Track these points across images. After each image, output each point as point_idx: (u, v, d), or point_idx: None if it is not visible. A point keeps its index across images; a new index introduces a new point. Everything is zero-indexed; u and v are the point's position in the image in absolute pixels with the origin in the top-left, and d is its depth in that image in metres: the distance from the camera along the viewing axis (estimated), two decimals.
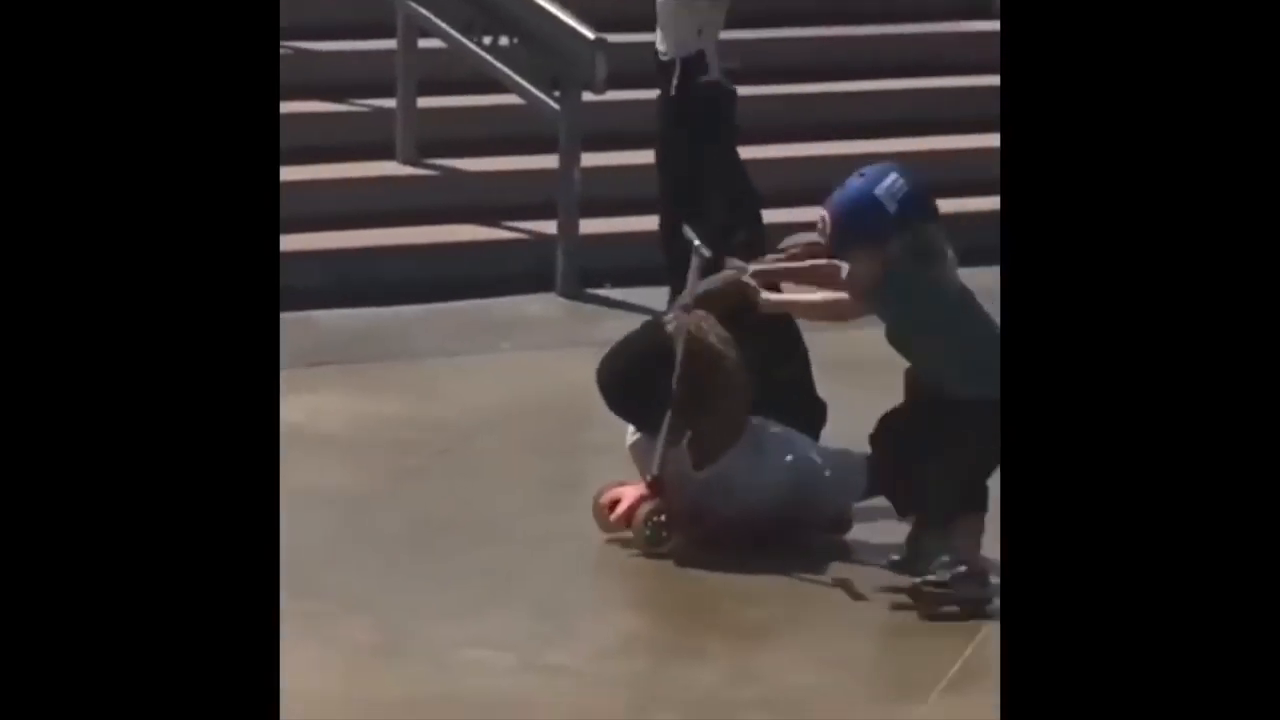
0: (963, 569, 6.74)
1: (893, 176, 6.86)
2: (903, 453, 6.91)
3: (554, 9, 10.57)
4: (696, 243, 7.42)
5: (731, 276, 7.37)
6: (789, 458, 7.47)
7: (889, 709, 6.34)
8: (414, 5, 10.98)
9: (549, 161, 10.55)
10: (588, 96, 10.41)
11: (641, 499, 7.34)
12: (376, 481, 7.89)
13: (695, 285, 7.40)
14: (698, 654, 6.80)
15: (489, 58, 10.82)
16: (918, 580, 6.79)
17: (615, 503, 7.39)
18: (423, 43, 11.02)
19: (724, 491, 7.38)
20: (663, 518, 7.31)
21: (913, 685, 6.46)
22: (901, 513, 7.06)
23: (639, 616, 7.18)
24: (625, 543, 7.32)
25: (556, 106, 10.47)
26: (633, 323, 8.02)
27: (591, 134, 10.40)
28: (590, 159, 10.45)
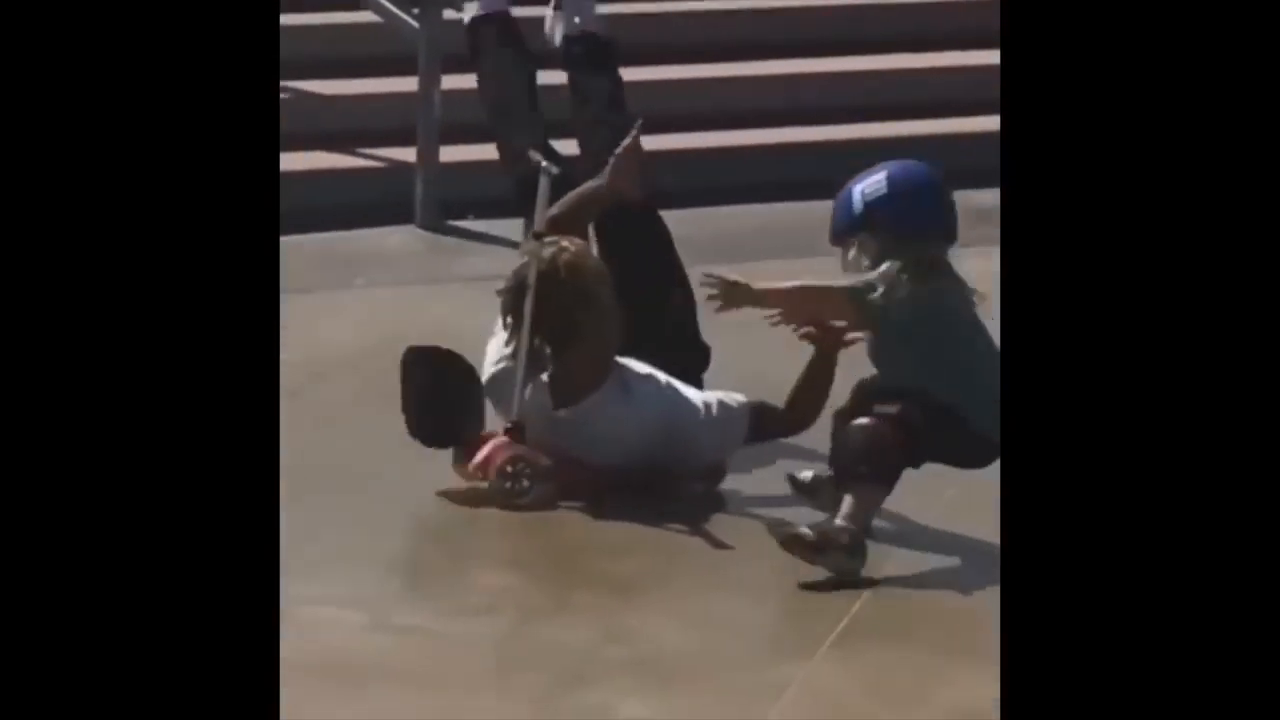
0: (844, 536, 6.50)
1: (877, 178, 6.77)
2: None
3: None
4: (544, 163, 7.25)
5: (586, 190, 7.28)
6: (661, 402, 7.18)
7: (765, 672, 6.04)
8: None
9: (408, 84, 10.34)
10: (449, 14, 9.97)
11: (500, 447, 7.05)
12: None
13: (545, 208, 7.21)
14: (562, 612, 6.52)
15: None
16: (793, 532, 6.53)
17: (476, 450, 7.10)
18: None
19: (589, 438, 7.10)
20: (523, 467, 7.01)
21: (790, 647, 6.25)
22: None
23: (499, 573, 6.85)
24: (485, 494, 7.05)
25: (415, 24, 10.27)
26: (498, 257, 7.74)
27: (454, 55, 9.77)
28: (451, 81, 10.02)
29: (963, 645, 6.16)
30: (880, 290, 6.65)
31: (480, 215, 9.74)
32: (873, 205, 6.71)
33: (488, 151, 9.67)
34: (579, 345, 7.13)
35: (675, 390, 7.24)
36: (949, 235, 6.80)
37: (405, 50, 10.28)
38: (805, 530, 6.48)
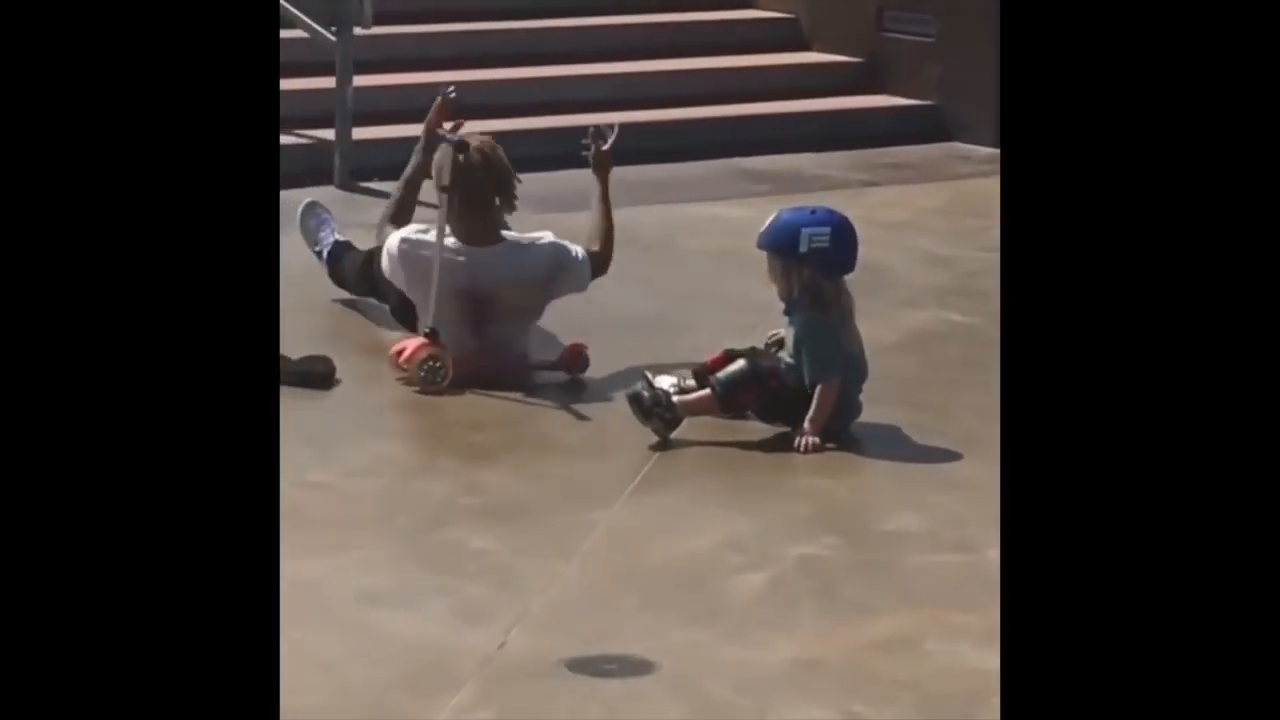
0: (669, 412, 6.58)
1: (821, 229, 6.65)
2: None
3: None
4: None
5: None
6: (549, 247, 7.37)
7: (581, 515, 6.07)
8: None
9: (328, 83, 10.26)
10: (358, 31, 10.20)
11: (420, 346, 7.09)
12: None
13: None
14: (433, 472, 6.58)
15: (283, 2, 10.46)
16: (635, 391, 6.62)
17: (401, 351, 7.14)
18: None
19: (503, 271, 7.25)
20: (436, 362, 7.05)
21: (599, 497, 6.21)
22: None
23: (387, 442, 6.87)
24: (406, 380, 7.10)
25: (334, 39, 10.25)
26: None
27: (361, 61, 10.19)
28: (360, 80, 10.26)
29: (724, 493, 6.26)
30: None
31: (383, 179, 9.65)
32: (814, 250, 6.60)
33: (386, 131, 9.93)
34: (492, 208, 7.29)
35: (556, 240, 7.37)
36: (848, 272, 6.72)
37: (326, 57, 10.22)
38: (644, 394, 6.53)
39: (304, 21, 10.32)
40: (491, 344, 7.30)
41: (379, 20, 10.20)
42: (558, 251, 7.34)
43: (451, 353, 7.09)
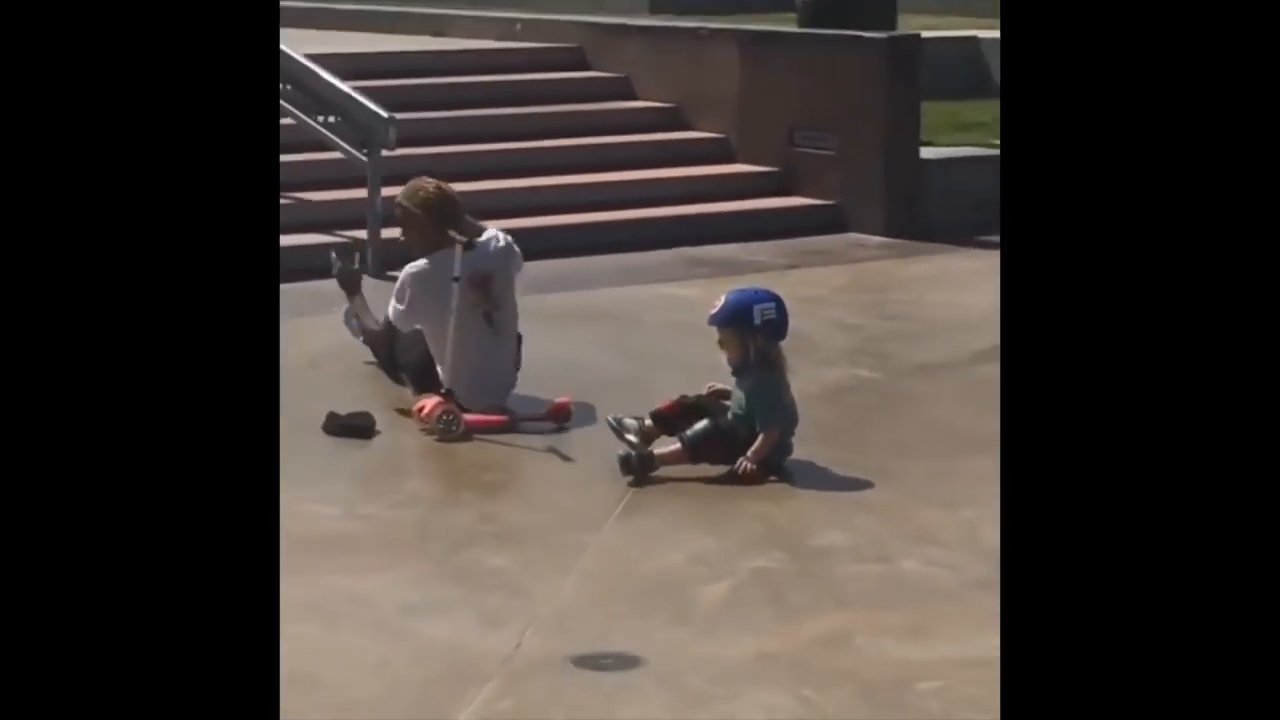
0: (648, 463, 6.40)
1: (769, 305, 6.53)
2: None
3: (362, 99, 10.21)
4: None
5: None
6: (502, 237, 7.37)
7: (576, 537, 5.87)
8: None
9: (361, 193, 10.10)
10: (384, 152, 10.04)
11: (437, 403, 6.88)
12: None
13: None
14: (456, 504, 6.39)
15: (322, 129, 10.39)
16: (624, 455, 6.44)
17: (422, 408, 6.94)
18: (283, 120, 10.43)
19: (489, 256, 7.23)
20: (449, 415, 6.83)
21: (589, 522, 6.02)
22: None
23: (418, 481, 6.71)
24: (426, 431, 6.91)
25: (365, 159, 10.07)
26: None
27: (387, 175, 9.87)
28: (387, 191, 9.85)
29: (690, 517, 6.10)
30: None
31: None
32: (765, 321, 6.46)
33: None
34: (461, 217, 7.25)
35: (500, 233, 7.39)
36: (785, 337, 6.58)
37: (358, 173, 10.09)
38: (631, 456, 6.37)
39: (340, 145, 10.20)
40: (503, 332, 7.17)
41: (401, 143, 10.06)
42: (510, 240, 7.34)
43: (476, 363, 6.96)
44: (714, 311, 6.59)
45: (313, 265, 8.62)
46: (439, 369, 7.12)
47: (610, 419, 6.63)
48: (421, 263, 7.17)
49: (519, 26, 13.43)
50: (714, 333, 6.61)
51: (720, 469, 6.43)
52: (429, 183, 7.34)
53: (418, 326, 7.22)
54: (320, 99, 10.32)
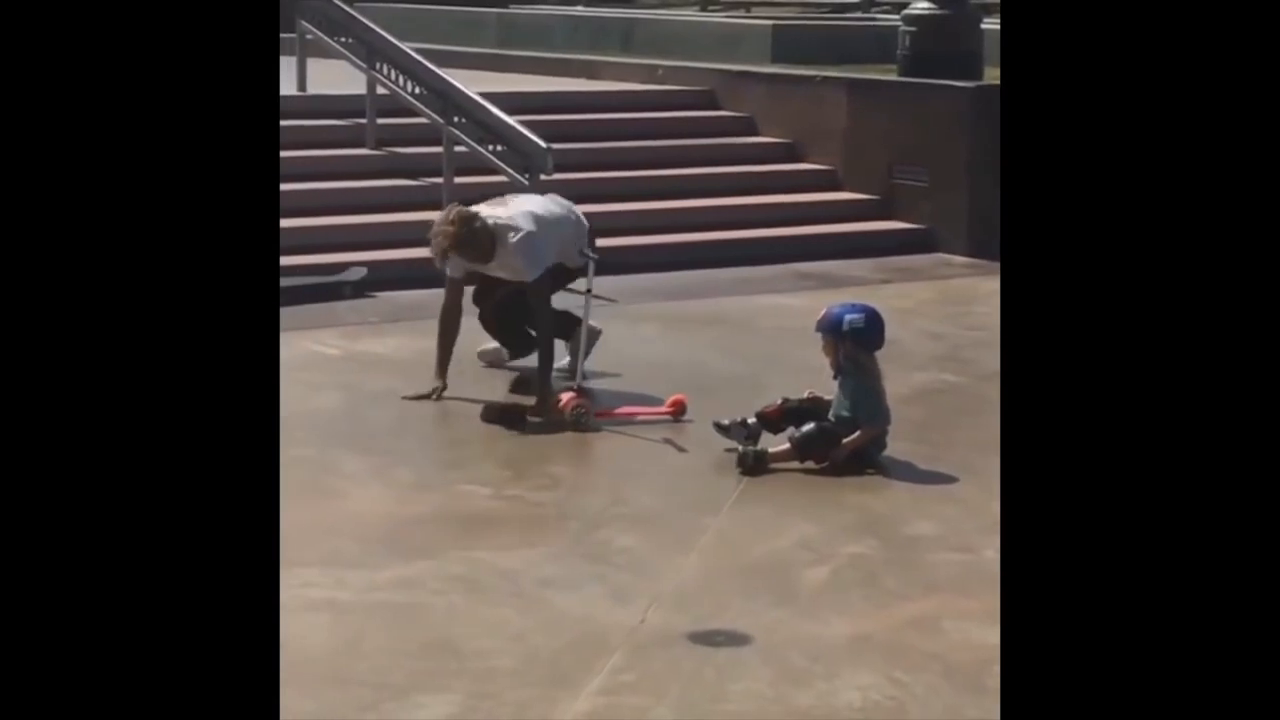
0: (762, 461, 6.02)
1: (858, 315, 6.14)
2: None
3: (525, 130, 9.84)
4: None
5: None
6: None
7: (697, 521, 5.51)
8: (452, 129, 10.13)
9: None
10: (543, 177, 9.61)
11: (571, 397, 6.52)
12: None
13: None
14: (590, 488, 6.05)
15: (490, 156, 10.04)
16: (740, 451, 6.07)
17: (558, 400, 6.56)
18: (457, 148, 10.12)
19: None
20: (581, 407, 6.49)
21: (708, 508, 5.66)
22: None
23: (557, 466, 6.27)
24: (561, 422, 6.54)
25: (527, 182, 9.65)
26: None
27: None
28: None
29: (796, 506, 5.72)
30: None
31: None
32: (852, 330, 6.09)
33: None
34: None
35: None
36: (879, 348, 6.19)
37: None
38: (749, 454, 5.99)
39: (506, 170, 9.87)
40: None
41: (557, 169, 9.69)
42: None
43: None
44: (817, 319, 6.26)
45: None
46: (567, 362, 6.78)
47: (715, 422, 6.25)
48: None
49: (660, 72, 13.07)
50: (819, 337, 6.26)
51: (823, 465, 6.06)
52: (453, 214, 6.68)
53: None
54: (490, 130, 10.03)
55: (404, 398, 6.79)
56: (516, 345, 7.24)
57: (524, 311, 6.93)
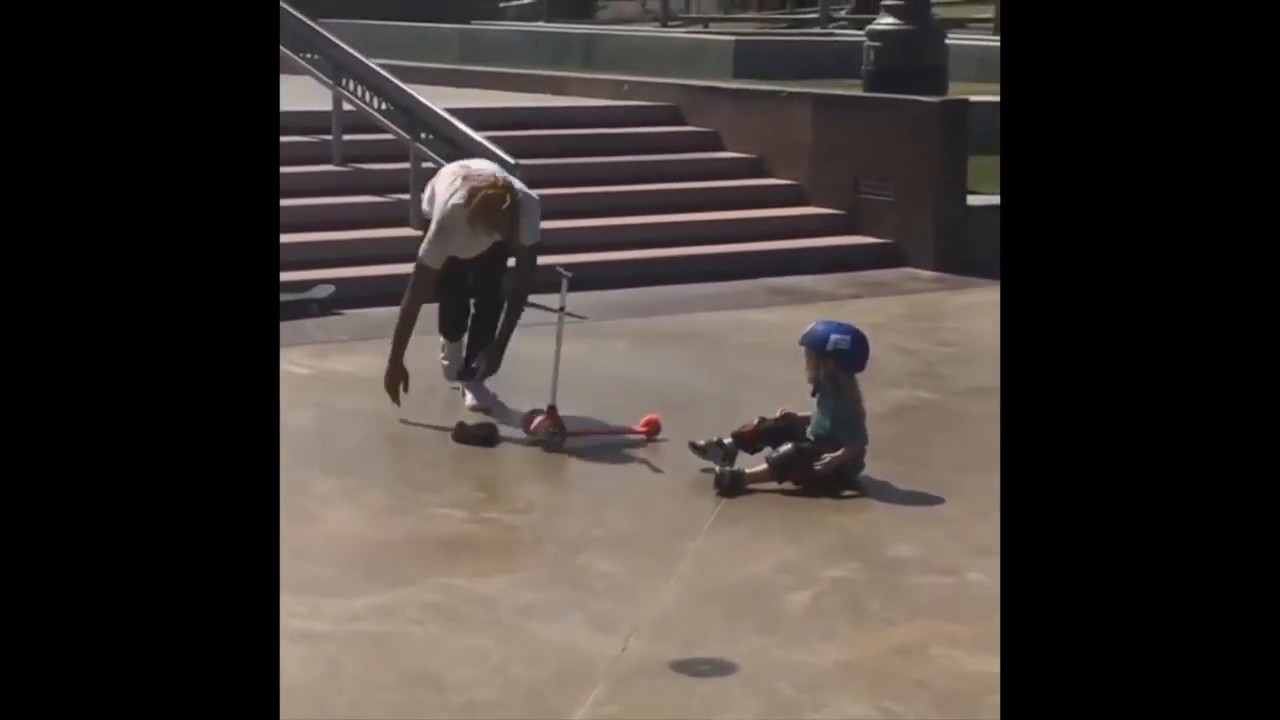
0: (742, 483, 5.89)
1: (844, 336, 6.03)
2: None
3: (491, 146, 9.56)
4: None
5: None
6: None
7: (676, 544, 5.37)
8: (419, 145, 9.97)
9: None
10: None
11: (543, 419, 6.38)
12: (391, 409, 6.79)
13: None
14: (566, 510, 5.86)
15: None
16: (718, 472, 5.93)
17: (529, 420, 6.45)
18: (424, 164, 9.96)
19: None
20: (553, 429, 6.35)
21: (687, 530, 5.51)
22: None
23: (535, 487, 6.15)
24: (533, 442, 6.40)
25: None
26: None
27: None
28: None
29: (774, 528, 5.58)
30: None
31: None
32: (836, 350, 5.96)
33: (548, 260, 9.20)
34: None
35: None
36: (860, 370, 6.07)
37: None
38: (726, 476, 5.87)
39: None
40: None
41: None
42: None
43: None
44: (802, 334, 6.14)
45: None
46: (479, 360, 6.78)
47: (691, 443, 6.13)
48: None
49: (626, 87, 12.94)
50: (792, 353, 6.15)
51: (800, 486, 5.92)
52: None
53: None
54: (457, 145, 9.85)
55: (402, 421, 6.67)
56: (480, 333, 7.00)
57: (494, 284, 6.87)
